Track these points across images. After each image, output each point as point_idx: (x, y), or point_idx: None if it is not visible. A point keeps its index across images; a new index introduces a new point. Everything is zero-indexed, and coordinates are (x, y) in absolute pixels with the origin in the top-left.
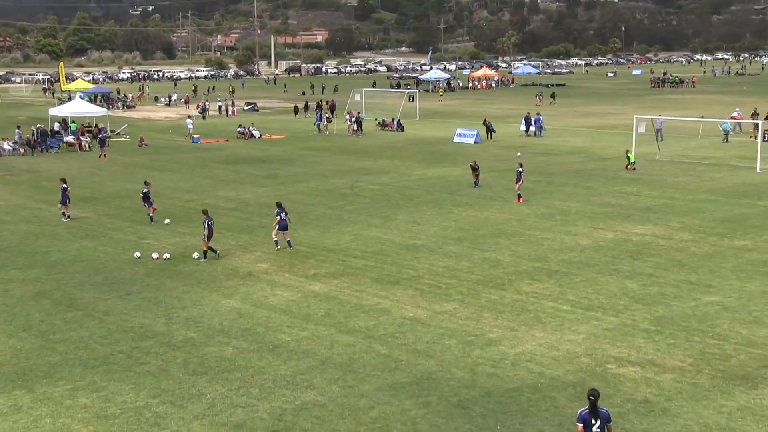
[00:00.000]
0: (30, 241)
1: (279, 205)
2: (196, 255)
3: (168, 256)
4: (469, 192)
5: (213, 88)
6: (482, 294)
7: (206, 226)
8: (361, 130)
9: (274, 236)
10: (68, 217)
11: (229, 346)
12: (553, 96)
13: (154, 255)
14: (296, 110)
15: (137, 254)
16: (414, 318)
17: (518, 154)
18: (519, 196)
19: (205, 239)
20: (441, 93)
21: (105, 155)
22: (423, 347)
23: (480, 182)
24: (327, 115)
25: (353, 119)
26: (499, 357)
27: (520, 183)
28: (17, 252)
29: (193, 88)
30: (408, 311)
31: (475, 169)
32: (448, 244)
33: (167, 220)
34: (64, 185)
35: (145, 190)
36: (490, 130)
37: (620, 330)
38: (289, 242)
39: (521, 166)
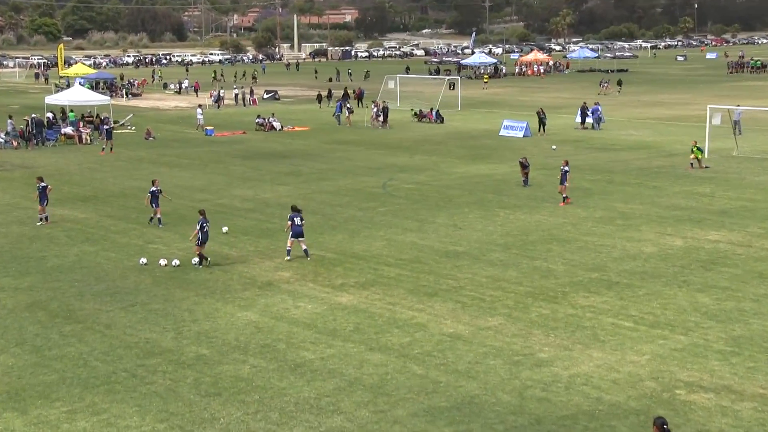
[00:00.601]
0: (24, 245)
1: (294, 209)
2: (195, 261)
3: (177, 262)
4: (517, 192)
5: (243, 74)
6: (532, 308)
7: (199, 228)
8: (387, 121)
9: (288, 245)
10: (45, 220)
11: (246, 364)
12: (619, 83)
13: (162, 262)
14: (320, 99)
15: (143, 261)
16: (454, 334)
17: (553, 147)
18: (564, 198)
19: (198, 243)
20: (486, 80)
21: (111, 148)
22: (464, 367)
23: (530, 181)
24: (348, 105)
25: (378, 109)
26: (550, 379)
27: (566, 184)
28: (9, 257)
29: (213, 74)
30: (447, 327)
31: (524, 166)
32: (494, 251)
33: (225, 228)
34: (43, 184)
35: (153, 189)
36: (542, 121)
37: (691, 351)
38: (306, 251)
39: (567, 164)
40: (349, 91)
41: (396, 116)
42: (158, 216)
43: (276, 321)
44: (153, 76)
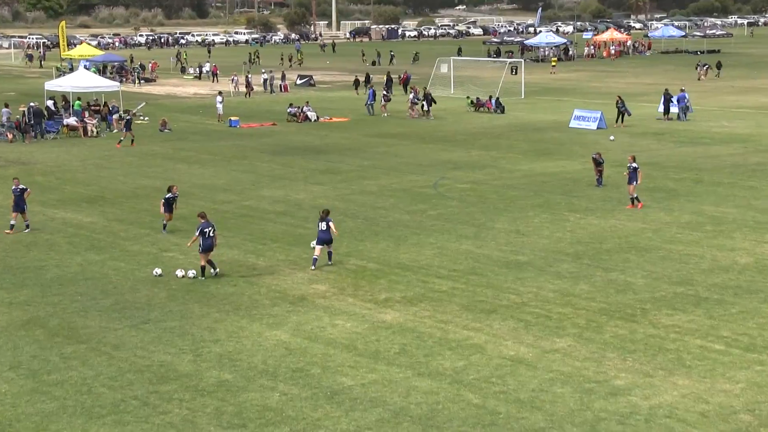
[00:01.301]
0: (20, 253)
1: (325, 213)
2: (192, 273)
3: (194, 273)
4: (589, 193)
5: (290, 58)
6: (606, 327)
7: (199, 233)
8: (429, 111)
9: (315, 253)
10: (21, 229)
11: (275, 391)
12: (718, 66)
13: (179, 273)
14: (357, 84)
15: (157, 271)
16: (516, 358)
17: (611, 137)
18: (633, 200)
19: (200, 251)
20: (554, 63)
21: (132, 141)
22: (527, 396)
23: (604, 180)
24: (384, 92)
25: (415, 97)
26: (628, 410)
27: (636, 183)
28: (3, 267)
29: (249, 57)
30: (508, 349)
31: (598, 163)
32: (562, 262)
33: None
34: (21, 186)
35: (169, 196)
36: (620, 111)
37: None
38: (330, 254)
39: (634, 160)
40: (393, 76)
41: (450, 105)
42: (165, 222)
43: (310, 342)
44: (177, 58)
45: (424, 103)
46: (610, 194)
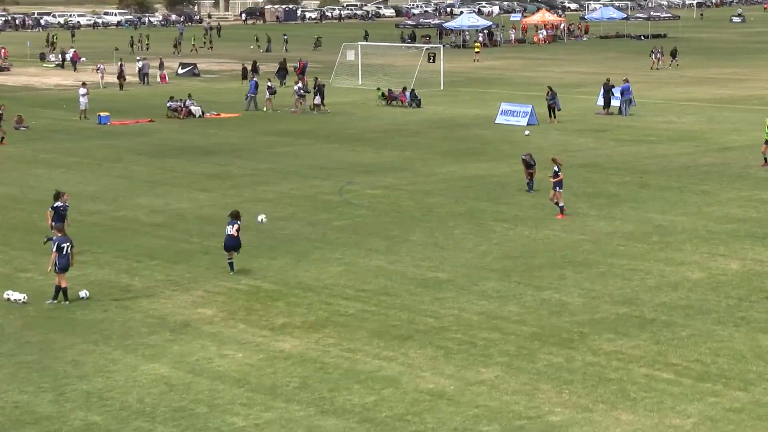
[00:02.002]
0: None
1: (234, 216)
2: (49, 301)
3: (25, 298)
4: (519, 200)
5: (175, 45)
6: (539, 355)
7: (56, 249)
8: (323, 103)
9: (227, 256)
10: None
11: None
12: (674, 54)
13: (6, 295)
14: (244, 73)
15: (14, 296)
16: (435, 391)
17: (526, 133)
18: (561, 208)
19: (56, 270)
20: (477, 49)
21: (2, 139)
22: None
23: (536, 185)
24: (269, 84)
25: (302, 88)
26: None
27: (558, 191)
28: None
29: (131, 41)
30: (426, 381)
31: (529, 165)
32: (488, 279)
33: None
34: None
35: (58, 205)
36: (551, 104)
37: (752, 411)
38: (231, 264)
39: (557, 163)
40: (290, 65)
41: (357, 98)
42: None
43: (194, 376)
44: (48, 42)
45: (317, 95)
46: (542, 201)
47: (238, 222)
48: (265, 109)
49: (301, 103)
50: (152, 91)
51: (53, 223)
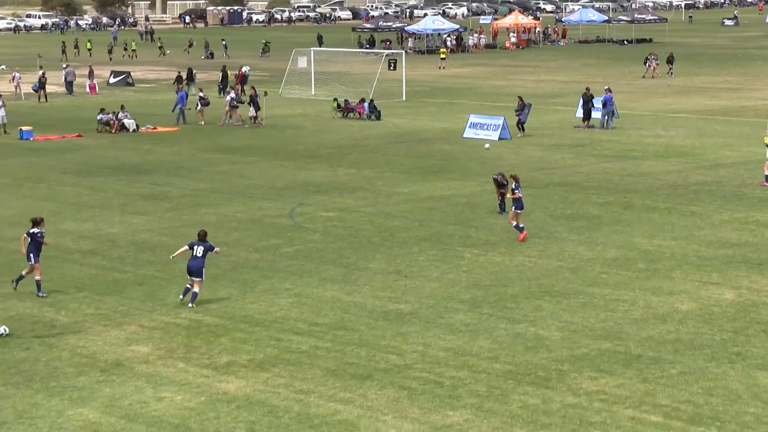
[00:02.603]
0: None
1: (203, 235)
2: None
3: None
4: (491, 222)
5: (109, 50)
6: (513, 395)
7: None
8: (257, 116)
9: (190, 286)
10: None
11: None
12: (670, 62)
13: None
14: (179, 81)
15: None
16: None
17: (486, 146)
18: (520, 229)
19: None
20: (443, 56)
21: None
22: None
23: (509, 206)
24: (200, 94)
25: (235, 98)
26: None
27: (516, 210)
28: None
29: (63, 47)
30: (387, 425)
31: (501, 184)
32: (456, 311)
33: (3, 329)
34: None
35: (34, 231)
36: (517, 116)
37: None
38: (194, 295)
39: (516, 180)
40: (231, 72)
41: (310, 110)
42: (38, 278)
43: (128, 421)
44: None
45: (252, 107)
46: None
47: (205, 245)
48: (201, 123)
49: (232, 115)
50: (80, 103)
51: (28, 256)
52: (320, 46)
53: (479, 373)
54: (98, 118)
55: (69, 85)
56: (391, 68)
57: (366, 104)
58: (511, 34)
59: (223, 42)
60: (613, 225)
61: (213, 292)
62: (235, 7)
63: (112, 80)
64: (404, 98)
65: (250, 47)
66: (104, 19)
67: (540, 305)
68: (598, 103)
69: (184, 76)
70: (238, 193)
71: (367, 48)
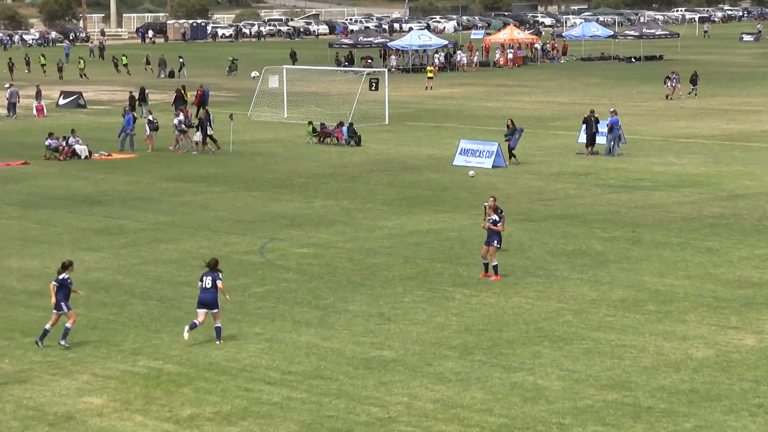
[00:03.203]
0: None
1: (213, 264)
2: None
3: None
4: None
5: (59, 68)
6: None
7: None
8: (210, 140)
9: (198, 318)
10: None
11: None
12: (694, 81)
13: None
14: (132, 102)
15: None
16: None
17: (471, 174)
18: (489, 268)
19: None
20: (430, 74)
21: None
22: None
23: (503, 241)
24: (149, 117)
25: (183, 122)
26: None
27: (493, 246)
28: None
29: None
30: None
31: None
32: (445, 358)
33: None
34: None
35: (63, 277)
36: (507, 140)
37: None
38: (218, 330)
39: (497, 210)
40: (185, 93)
41: (283, 134)
42: (69, 325)
43: None
44: None
45: (200, 131)
46: (512, 260)
47: (218, 274)
48: (149, 150)
49: (179, 141)
50: (26, 126)
51: (57, 305)
52: (294, 64)
53: (471, 427)
54: (46, 143)
55: (12, 106)
56: (373, 88)
57: (345, 128)
58: (508, 50)
59: (180, 59)
60: (619, 262)
61: (174, 337)
62: (199, 21)
63: (61, 101)
64: (387, 122)
65: (216, 65)
66: (53, 34)
67: (539, 352)
68: (603, 127)
69: (137, 97)
70: (202, 227)
71: (345, 66)
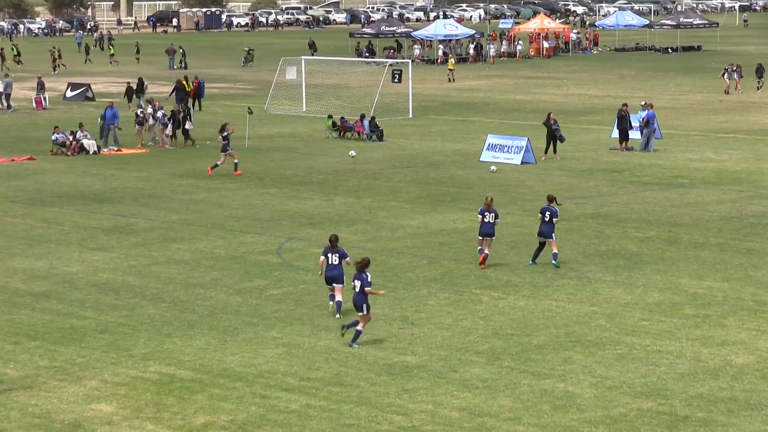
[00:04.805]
0: None
1: (334, 241)
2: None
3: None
4: (512, 261)
5: (54, 59)
6: None
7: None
8: (185, 135)
9: (337, 296)
10: None
11: None
12: (760, 72)
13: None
14: (129, 94)
15: None
16: None
17: (492, 168)
18: (485, 257)
19: None
20: (451, 66)
21: None
22: None
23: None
24: (138, 110)
25: (165, 115)
26: None
27: (487, 255)
28: None
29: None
30: None
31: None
32: (472, 364)
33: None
34: None
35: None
36: (554, 136)
37: None
38: (338, 304)
39: (488, 209)
40: (187, 84)
41: (301, 129)
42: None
43: None
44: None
45: (171, 125)
46: (542, 262)
47: (339, 251)
48: (139, 143)
49: (156, 135)
50: (30, 120)
51: None
52: (312, 55)
53: None
54: (53, 138)
55: (7, 97)
56: (395, 80)
57: (366, 122)
58: (537, 39)
59: (180, 49)
60: (655, 264)
61: (187, 341)
62: (213, 9)
63: (69, 94)
64: (411, 115)
65: (230, 55)
66: (60, 23)
67: (570, 357)
68: (634, 121)
69: (135, 88)
70: (216, 226)
71: (366, 57)
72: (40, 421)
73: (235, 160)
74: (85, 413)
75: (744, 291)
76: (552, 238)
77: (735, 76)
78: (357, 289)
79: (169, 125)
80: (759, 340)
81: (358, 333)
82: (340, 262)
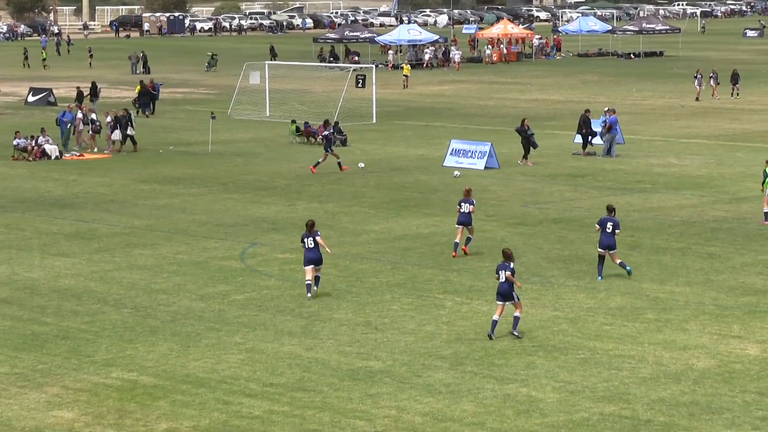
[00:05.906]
0: None
1: (311, 226)
2: None
3: None
4: (475, 266)
5: (26, 57)
6: None
7: None
8: (133, 142)
9: (307, 276)
10: None
11: None
12: (734, 79)
13: None
14: (80, 98)
15: None
16: None
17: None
18: (456, 245)
19: None
20: (406, 72)
21: None
22: None
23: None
24: (92, 116)
25: (94, 120)
26: None
27: (470, 239)
28: None
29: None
30: None
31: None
32: (435, 369)
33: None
34: None
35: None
36: (529, 140)
37: None
38: (317, 278)
39: (465, 200)
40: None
41: (264, 134)
42: (517, 313)
43: None
44: None
45: (116, 128)
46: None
47: (313, 234)
48: (90, 147)
49: (85, 139)
50: None
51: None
52: (275, 60)
53: None
54: (14, 143)
55: None
56: (359, 86)
57: (330, 127)
58: (499, 44)
59: (142, 54)
60: (617, 268)
61: (149, 347)
62: (176, 14)
63: (30, 98)
64: (374, 120)
65: (194, 60)
66: (21, 27)
67: (533, 362)
68: (595, 126)
69: (87, 93)
70: (178, 231)
71: (330, 62)
72: (1, 428)
73: (338, 160)
74: (47, 420)
75: (705, 295)
76: (615, 249)
77: (712, 82)
78: (502, 279)
79: (116, 130)
80: (720, 344)
81: (516, 319)
82: (316, 245)
